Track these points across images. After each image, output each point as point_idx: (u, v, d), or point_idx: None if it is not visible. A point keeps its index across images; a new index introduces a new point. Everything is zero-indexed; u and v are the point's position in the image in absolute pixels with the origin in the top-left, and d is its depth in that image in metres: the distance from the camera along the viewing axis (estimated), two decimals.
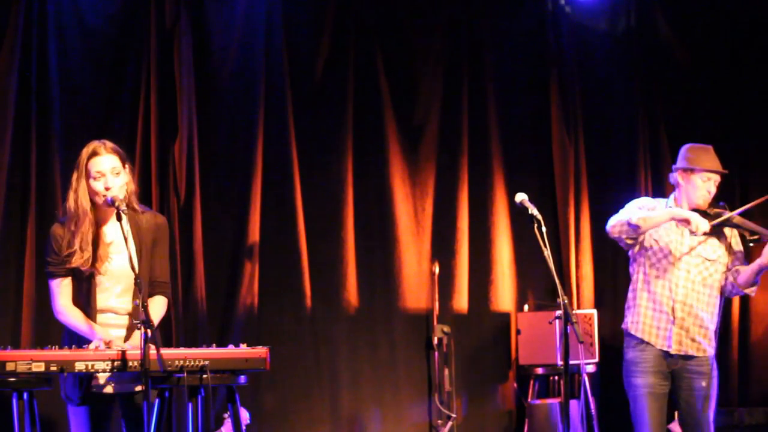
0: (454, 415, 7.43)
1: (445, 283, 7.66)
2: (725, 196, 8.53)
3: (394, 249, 7.53)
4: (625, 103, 8.40)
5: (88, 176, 4.58)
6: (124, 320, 4.65)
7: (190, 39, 6.77)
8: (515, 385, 7.84)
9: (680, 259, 5.60)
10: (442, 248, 7.70)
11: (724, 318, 8.40)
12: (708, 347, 5.63)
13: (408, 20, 7.74)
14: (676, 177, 5.71)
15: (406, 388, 7.52)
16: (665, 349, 5.58)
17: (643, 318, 5.65)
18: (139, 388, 4.55)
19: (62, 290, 4.62)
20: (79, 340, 4.56)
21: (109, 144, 4.66)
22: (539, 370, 7.62)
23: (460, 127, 7.82)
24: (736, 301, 8.35)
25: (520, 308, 7.87)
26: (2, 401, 4.86)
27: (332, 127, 7.38)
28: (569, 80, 8.20)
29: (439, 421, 7.47)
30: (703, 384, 5.59)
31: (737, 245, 5.78)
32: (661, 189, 8.07)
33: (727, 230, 5.72)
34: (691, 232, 5.53)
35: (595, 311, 7.63)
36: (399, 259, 7.54)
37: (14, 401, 4.35)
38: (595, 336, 7.55)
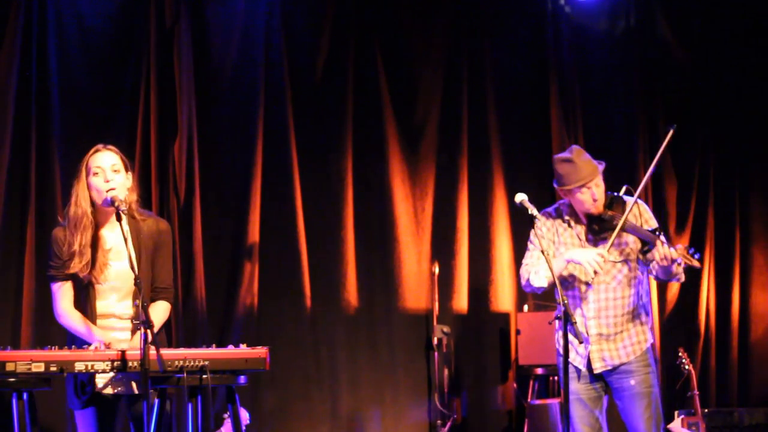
0: (454, 415, 7.43)
1: (445, 283, 7.66)
2: (725, 196, 8.60)
3: (394, 249, 7.53)
4: (625, 103, 8.39)
5: (88, 173, 4.58)
6: (128, 324, 4.64)
7: (190, 39, 6.79)
8: (515, 385, 7.83)
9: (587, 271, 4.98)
10: (442, 248, 7.70)
11: (724, 318, 8.43)
12: (639, 346, 5.08)
13: (408, 20, 7.74)
14: (559, 192, 5.15)
15: (405, 389, 7.52)
16: (584, 369, 5.06)
17: (560, 336, 4.97)
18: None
19: (63, 293, 4.62)
20: (81, 343, 4.56)
21: (111, 146, 4.66)
22: (539, 371, 7.61)
23: (460, 127, 7.82)
24: (735, 301, 8.34)
25: (519, 308, 7.86)
26: (2, 401, 4.86)
27: (332, 127, 7.38)
28: (569, 80, 8.19)
29: (439, 421, 7.47)
30: (632, 383, 5.02)
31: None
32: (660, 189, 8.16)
33: (633, 218, 5.08)
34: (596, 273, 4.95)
35: None
36: (399, 259, 7.54)
37: (14, 401, 4.35)
38: None
